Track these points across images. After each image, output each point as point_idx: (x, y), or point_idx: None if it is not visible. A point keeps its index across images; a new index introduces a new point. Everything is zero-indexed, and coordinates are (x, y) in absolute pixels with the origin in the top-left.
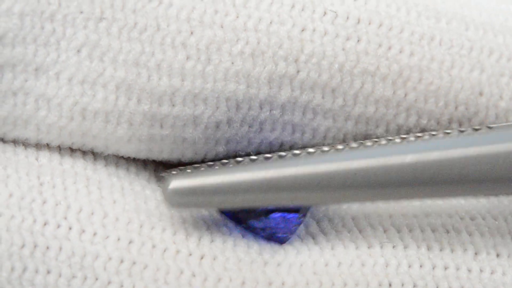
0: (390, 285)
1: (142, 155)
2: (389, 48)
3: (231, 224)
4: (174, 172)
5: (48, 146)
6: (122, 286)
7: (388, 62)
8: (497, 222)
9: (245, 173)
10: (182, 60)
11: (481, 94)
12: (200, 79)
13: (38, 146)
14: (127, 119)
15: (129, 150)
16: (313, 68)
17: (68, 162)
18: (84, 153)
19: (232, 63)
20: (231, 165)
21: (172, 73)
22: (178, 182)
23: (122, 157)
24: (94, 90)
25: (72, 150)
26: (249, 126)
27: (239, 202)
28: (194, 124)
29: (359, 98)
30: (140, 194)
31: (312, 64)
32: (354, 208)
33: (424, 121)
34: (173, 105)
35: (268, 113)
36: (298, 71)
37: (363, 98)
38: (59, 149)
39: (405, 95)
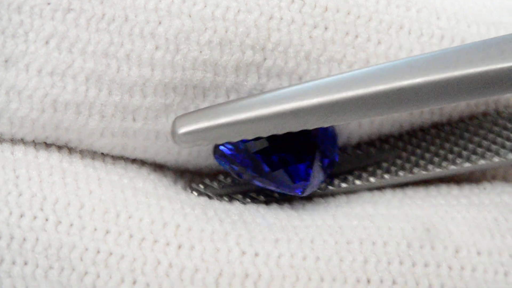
0: (368, 281)
1: (116, 151)
2: (356, 36)
3: (210, 212)
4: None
5: (23, 141)
6: (98, 277)
7: (355, 51)
8: (477, 220)
9: (247, 109)
10: (151, 50)
11: None
12: (170, 69)
13: (13, 141)
14: (98, 111)
15: (102, 144)
16: (279, 56)
17: (43, 156)
18: (59, 146)
19: (200, 52)
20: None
21: (142, 63)
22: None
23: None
24: (64, 81)
25: (47, 144)
26: None
27: (240, 134)
28: (166, 114)
29: None
30: (117, 184)
31: (279, 52)
32: (333, 204)
33: None
34: (145, 96)
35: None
36: (265, 59)
37: None
38: (34, 143)
39: None
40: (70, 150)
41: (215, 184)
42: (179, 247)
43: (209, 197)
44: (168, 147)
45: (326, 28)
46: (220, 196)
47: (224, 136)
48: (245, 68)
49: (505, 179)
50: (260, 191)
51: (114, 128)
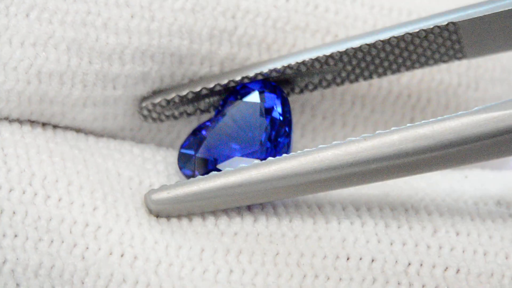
0: (348, 258)
1: (98, 123)
2: (316, 7)
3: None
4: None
5: (9, 121)
6: (87, 248)
7: (316, 19)
8: (456, 204)
9: (214, 181)
10: (127, 18)
11: None
12: (146, 36)
13: (0, 122)
14: (80, 80)
15: (85, 116)
16: (249, 24)
17: (30, 136)
18: (44, 128)
19: (175, 18)
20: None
21: (119, 31)
22: (159, 194)
23: (80, 130)
24: (46, 51)
25: (32, 126)
26: (190, 81)
27: (212, 206)
28: (143, 81)
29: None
30: (101, 167)
31: (249, 20)
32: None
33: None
34: (123, 64)
35: (208, 69)
36: (236, 27)
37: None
38: (20, 124)
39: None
40: (55, 131)
41: (163, 103)
42: (161, 232)
43: (157, 118)
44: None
45: None
46: (171, 117)
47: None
48: (219, 35)
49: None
50: (211, 105)
51: (96, 97)
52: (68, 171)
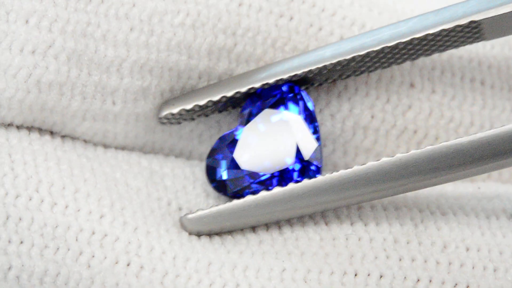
0: (356, 274)
1: (98, 138)
2: (320, 29)
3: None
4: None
5: (17, 128)
6: (93, 256)
7: (317, 43)
8: (468, 218)
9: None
10: (126, 31)
11: (412, 85)
12: (144, 50)
13: (8, 128)
14: (80, 92)
15: (84, 129)
16: (249, 42)
17: (37, 144)
18: (52, 136)
19: (174, 34)
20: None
21: (117, 44)
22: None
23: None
24: (46, 61)
25: (40, 134)
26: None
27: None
28: (144, 97)
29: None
30: (110, 176)
31: (248, 38)
32: None
33: (356, 111)
34: (122, 78)
35: (205, 83)
36: (235, 44)
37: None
38: (29, 132)
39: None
40: (64, 140)
41: (183, 111)
42: (170, 242)
43: (176, 123)
44: (147, 129)
45: (291, 18)
46: (189, 119)
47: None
48: (217, 52)
49: (499, 179)
50: (229, 102)
51: (95, 111)
52: (75, 178)
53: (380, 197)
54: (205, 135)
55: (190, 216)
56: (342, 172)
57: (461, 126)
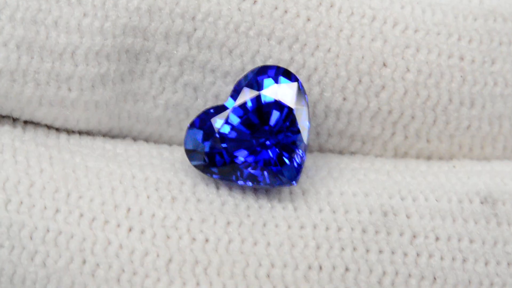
0: (320, 268)
1: (59, 123)
2: (285, 11)
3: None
4: None
5: None
6: (48, 256)
7: (283, 26)
8: (439, 203)
9: None
10: (79, 17)
11: (385, 65)
12: (99, 36)
13: None
14: (32, 78)
15: (42, 114)
16: (209, 27)
17: None
18: (14, 125)
19: (130, 18)
20: None
21: (70, 30)
22: None
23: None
24: None
25: (1, 124)
26: (151, 83)
27: None
28: (103, 84)
29: (257, 61)
30: (69, 163)
31: (209, 23)
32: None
33: (327, 94)
34: (76, 64)
35: (167, 68)
36: (195, 29)
37: (262, 62)
38: None
39: (304, 61)
40: (25, 129)
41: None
42: (130, 229)
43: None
44: (109, 112)
45: (255, 1)
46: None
47: None
48: (175, 36)
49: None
50: None
51: (50, 97)
52: (31, 171)
53: None
54: (174, 120)
55: None
56: None
57: (439, 104)
